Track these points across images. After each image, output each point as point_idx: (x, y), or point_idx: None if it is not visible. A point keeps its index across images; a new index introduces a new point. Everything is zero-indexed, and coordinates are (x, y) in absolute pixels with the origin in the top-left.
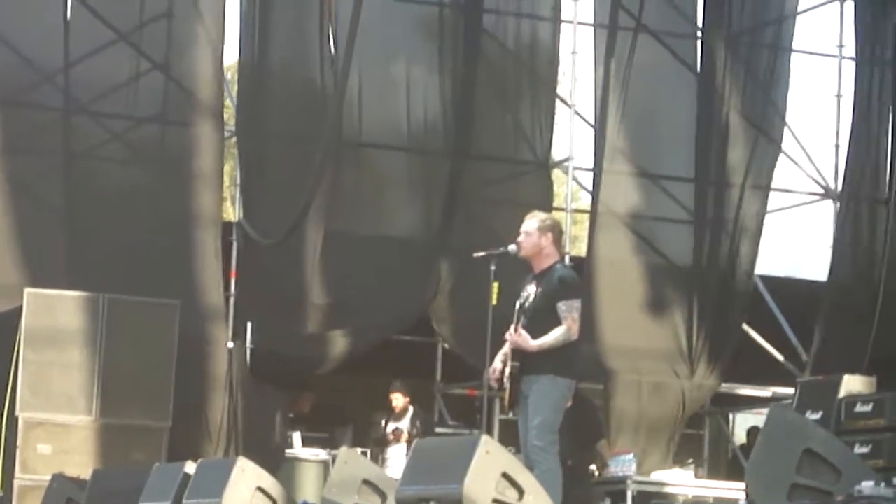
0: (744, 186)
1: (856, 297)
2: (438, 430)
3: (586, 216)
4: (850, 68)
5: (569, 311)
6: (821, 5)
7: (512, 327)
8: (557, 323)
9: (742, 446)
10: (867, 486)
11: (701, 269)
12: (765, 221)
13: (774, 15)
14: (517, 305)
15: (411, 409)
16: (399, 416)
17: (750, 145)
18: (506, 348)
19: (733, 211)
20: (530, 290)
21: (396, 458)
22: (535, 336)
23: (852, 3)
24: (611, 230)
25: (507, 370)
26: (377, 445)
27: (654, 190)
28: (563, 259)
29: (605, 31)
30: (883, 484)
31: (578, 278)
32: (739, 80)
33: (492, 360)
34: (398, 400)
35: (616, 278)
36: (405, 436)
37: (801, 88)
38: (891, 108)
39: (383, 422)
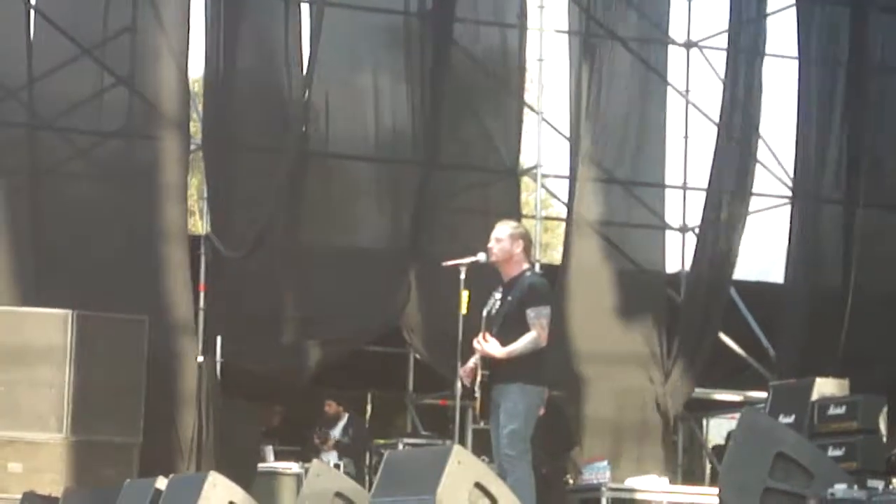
0: (713, 192)
1: (818, 299)
2: (411, 440)
3: (556, 224)
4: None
5: (537, 317)
6: (786, 7)
7: (480, 335)
8: (527, 330)
9: (716, 448)
10: (840, 488)
11: (672, 275)
12: (735, 225)
13: (742, 18)
14: (484, 313)
15: (346, 415)
16: (331, 423)
17: (720, 149)
18: (476, 356)
19: (703, 216)
20: (497, 298)
21: None
22: (505, 344)
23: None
24: (582, 237)
25: (478, 379)
26: (311, 452)
27: (625, 196)
28: (533, 267)
29: (576, 38)
30: (856, 486)
31: (549, 286)
32: (708, 84)
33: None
34: (330, 407)
35: (588, 285)
36: (332, 442)
37: (769, 91)
38: (840, 108)
39: (317, 428)
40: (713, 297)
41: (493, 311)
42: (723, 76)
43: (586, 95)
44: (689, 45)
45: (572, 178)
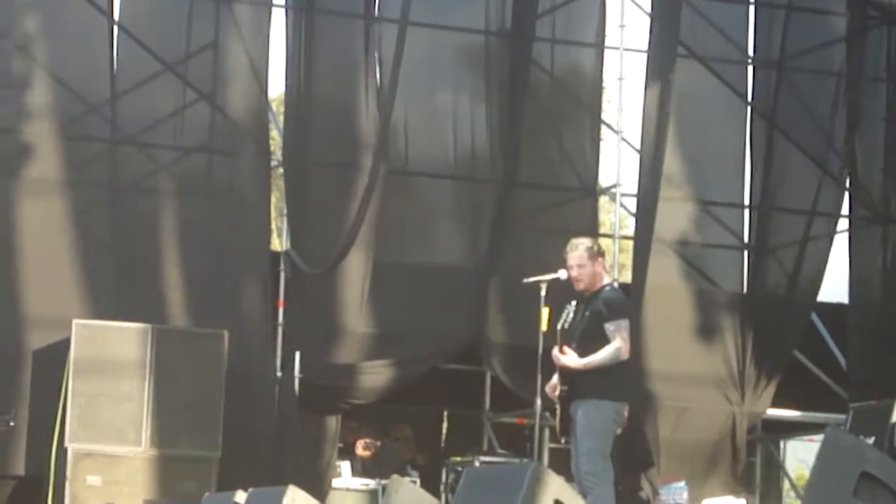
0: (795, 212)
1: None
2: (487, 458)
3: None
4: None
5: (617, 330)
6: (868, 29)
7: (557, 347)
8: (605, 345)
9: None
10: None
11: (749, 295)
12: (817, 247)
13: (823, 39)
14: (559, 327)
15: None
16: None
17: (800, 171)
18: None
19: (782, 237)
20: (570, 310)
21: None
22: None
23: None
24: (659, 256)
25: (557, 393)
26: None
27: (703, 216)
28: (612, 281)
29: (655, 57)
30: None
31: (626, 298)
32: (789, 105)
33: (542, 386)
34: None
35: (665, 305)
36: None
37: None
38: None
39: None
40: (791, 317)
41: (567, 325)
42: (805, 97)
43: (661, 114)
44: (770, 65)
45: (640, 196)
